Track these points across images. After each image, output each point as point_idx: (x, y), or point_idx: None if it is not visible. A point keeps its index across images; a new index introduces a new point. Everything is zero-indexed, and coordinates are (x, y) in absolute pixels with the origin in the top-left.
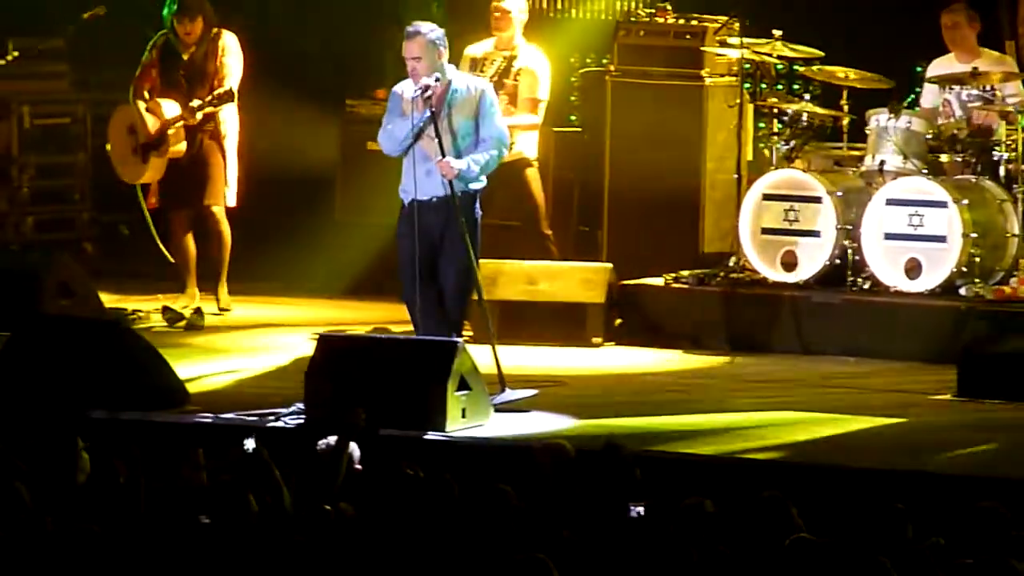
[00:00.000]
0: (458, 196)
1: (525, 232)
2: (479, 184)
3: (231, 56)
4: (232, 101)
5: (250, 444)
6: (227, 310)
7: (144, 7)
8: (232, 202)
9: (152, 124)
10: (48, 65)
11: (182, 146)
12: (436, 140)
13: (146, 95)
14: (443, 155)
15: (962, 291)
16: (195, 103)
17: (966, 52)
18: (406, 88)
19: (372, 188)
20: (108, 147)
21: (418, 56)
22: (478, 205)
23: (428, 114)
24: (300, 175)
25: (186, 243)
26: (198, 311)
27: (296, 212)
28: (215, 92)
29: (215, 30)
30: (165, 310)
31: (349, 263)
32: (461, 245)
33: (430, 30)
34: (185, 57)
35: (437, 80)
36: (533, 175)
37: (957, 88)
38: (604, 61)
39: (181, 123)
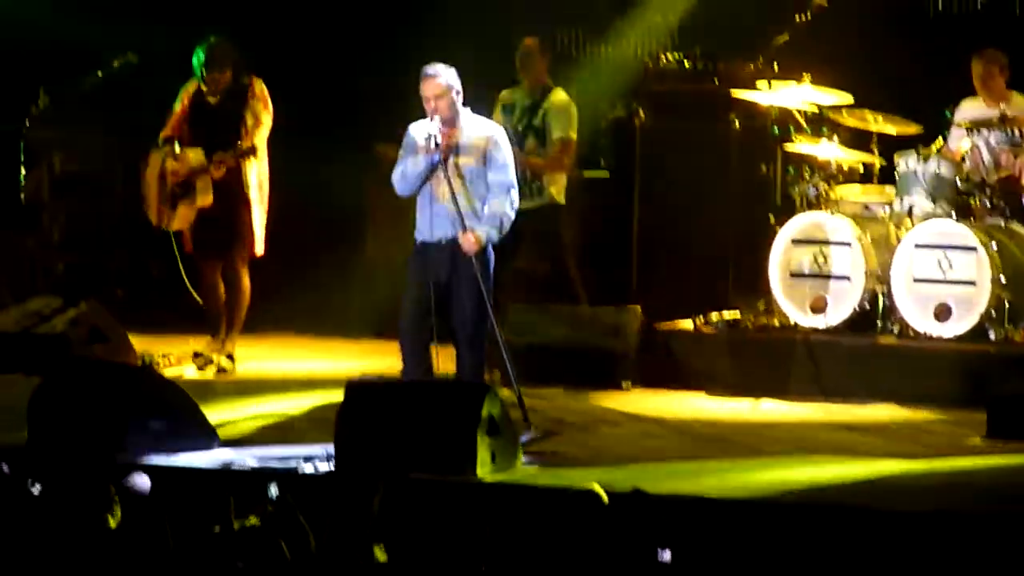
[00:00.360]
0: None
1: (553, 275)
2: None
3: (260, 105)
4: (254, 156)
5: (273, 490)
6: (232, 360)
7: (176, 53)
8: (259, 251)
9: (180, 173)
10: (79, 112)
11: (209, 196)
12: (446, 182)
13: (176, 143)
14: (453, 196)
15: (991, 335)
16: (217, 156)
17: (995, 96)
18: (420, 128)
19: (403, 229)
20: (142, 194)
21: (437, 95)
22: (491, 247)
23: (438, 158)
24: (331, 216)
25: (216, 290)
26: (229, 356)
27: (327, 253)
28: (238, 146)
29: (245, 78)
30: (196, 355)
31: (379, 303)
32: (474, 287)
33: (446, 71)
34: (214, 104)
35: (445, 127)
36: (562, 217)
37: (985, 132)
38: (633, 105)
39: (207, 174)
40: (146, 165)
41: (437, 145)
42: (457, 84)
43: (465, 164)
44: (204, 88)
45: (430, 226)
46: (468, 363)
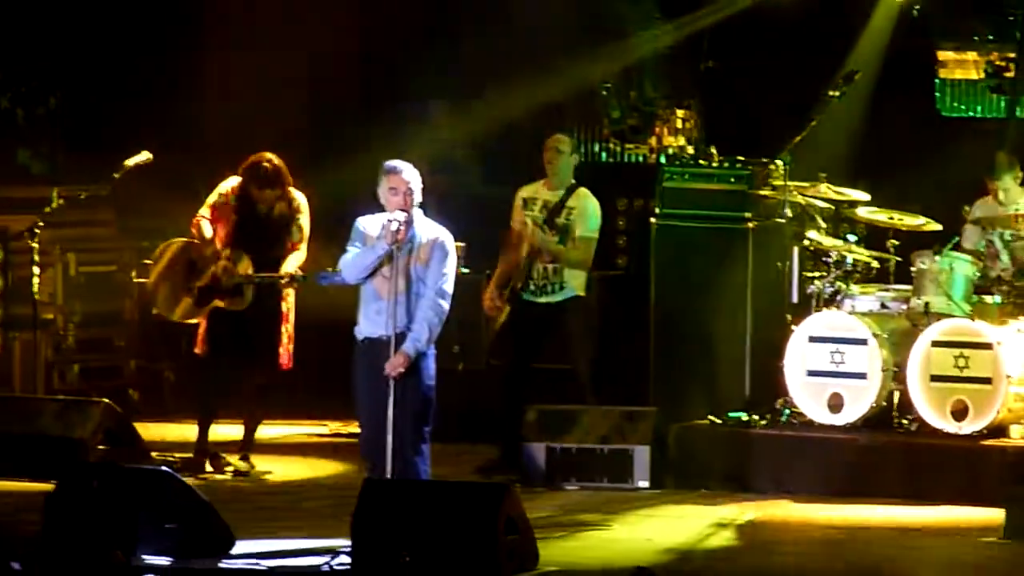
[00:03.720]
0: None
1: (567, 373)
2: None
3: (304, 218)
4: (301, 281)
5: None
6: (248, 461)
7: (191, 153)
8: (286, 363)
9: (221, 272)
10: (93, 213)
11: (247, 300)
12: (391, 280)
13: (221, 246)
14: (396, 294)
15: (1013, 432)
16: (261, 277)
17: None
18: (370, 222)
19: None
20: (151, 277)
21: (394, 188)
22: (432, 348)
23: (390, 249)
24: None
25: (225, 392)
26: (245, 457)
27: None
28: (287, 274)
29: (288, 189)
30: (211, 456)
31: None
32: (421, 388)
33: (408, 168)
34: (263, 216)
35: (407, 220)
36: (578, 316)
37: (1000, 229)
38: (651, 204)
39: (253, 284)
40: (172, 251)
41: (396, 231)
42: (418, 182)
43: (412, 264)
44: (255, 199)
45: (372, 323)
46: (407, 460)
